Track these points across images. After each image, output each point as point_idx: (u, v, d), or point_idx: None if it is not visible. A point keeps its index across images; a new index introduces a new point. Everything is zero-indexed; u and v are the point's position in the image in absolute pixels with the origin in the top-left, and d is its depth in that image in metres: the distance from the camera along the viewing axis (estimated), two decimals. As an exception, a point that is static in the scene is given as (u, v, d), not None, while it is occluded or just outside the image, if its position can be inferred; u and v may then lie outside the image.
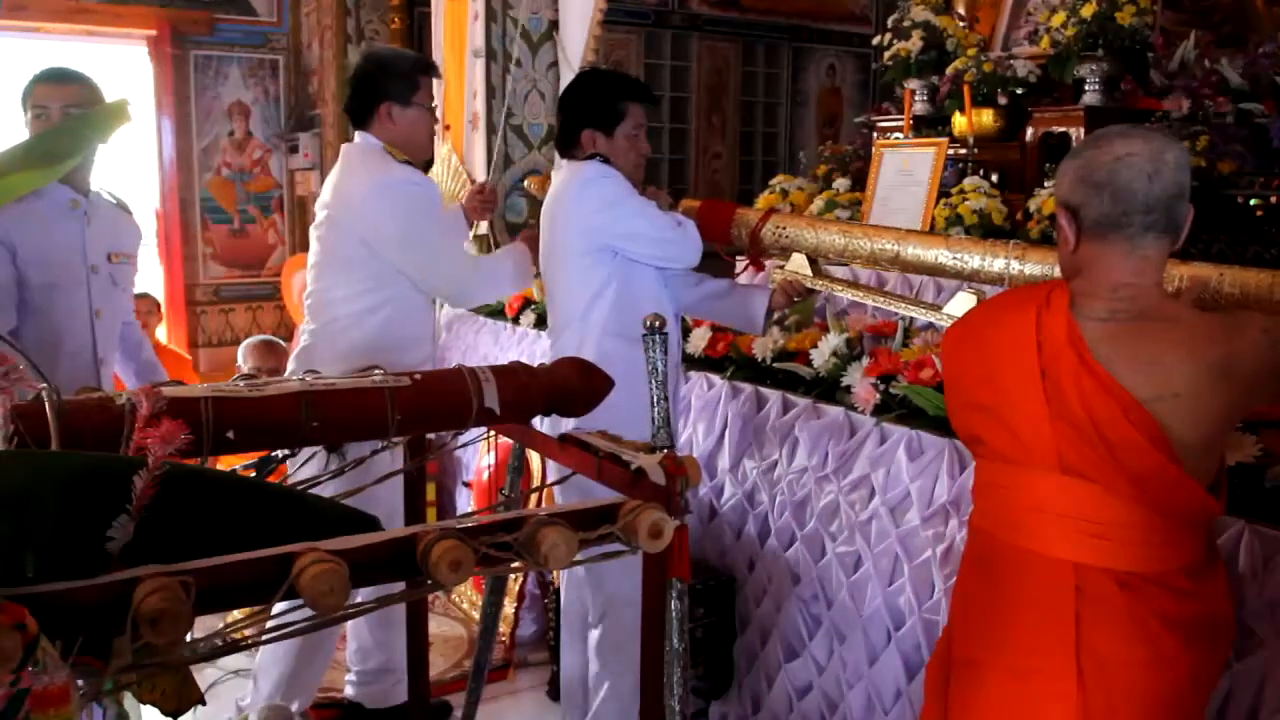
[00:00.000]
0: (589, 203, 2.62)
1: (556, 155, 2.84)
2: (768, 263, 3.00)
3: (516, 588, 3.58)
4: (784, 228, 2.85)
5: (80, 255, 2.66)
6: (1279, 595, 1.77)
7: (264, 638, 1.20)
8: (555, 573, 3.32)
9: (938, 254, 2.56)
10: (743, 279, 3.12)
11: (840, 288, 2.81)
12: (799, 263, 2.81)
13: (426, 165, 2.99)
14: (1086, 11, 3.61)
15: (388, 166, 2.76)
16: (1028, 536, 1.66)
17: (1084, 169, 1.61)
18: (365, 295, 2.79)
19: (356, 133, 2.86)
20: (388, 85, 2.79)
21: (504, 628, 3.55)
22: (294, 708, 3.00)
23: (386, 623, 3.05)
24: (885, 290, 2.84)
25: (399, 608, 2.85)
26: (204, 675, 3.29)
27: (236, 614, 1.30)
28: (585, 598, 2.85)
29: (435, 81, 2.95)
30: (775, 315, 3.01)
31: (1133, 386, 1.53)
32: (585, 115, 2.69)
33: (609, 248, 2.63)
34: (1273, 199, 3.47)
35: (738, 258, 3.08)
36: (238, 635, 1.12)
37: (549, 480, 3.18)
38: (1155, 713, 1.58)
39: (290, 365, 2.97)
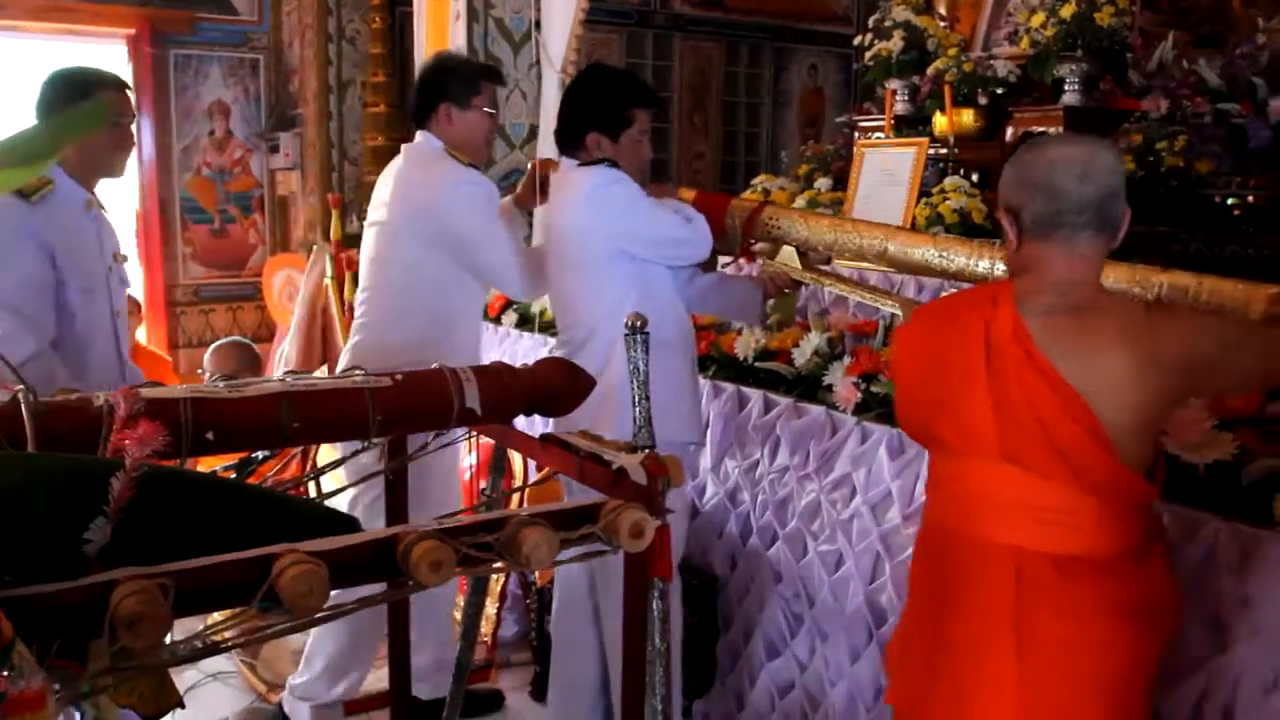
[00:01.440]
0: (601, 209, 2.59)
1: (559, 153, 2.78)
2: (758, 256, 3.01)
3: (498, 588, 3.57)
4: (777, 219, 2.87)
5: (100, 256, 2.67)
6: (1255, 591, 1.79)
7: (244, 640, 1.19)
8: (538, 573, 3.31)
9: (924, 251, 2.58)
10: (729, 271, 3.13)
11: (828, 281, 2.82)
12: (788, 254, 2.82)
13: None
14: (1066, 12, 3.64)
15: (453, 169, 2.83)
16: (973, 524, 1.74)
17: (1021, 172, 1.71)
18: (421, 295, 2.84)
19: (418, 132, 2.93)
20: (449, 87, 2.86)
21: (486, 628, 3.54)
22: (339, 691, 3.01)
23: (425, 616, 3.07)
24: (869, 285, 2.86)
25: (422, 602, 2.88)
26: (184, 678, 3.27)
27: (217, 616, 1.29)
28: (590, 600, 2.84)
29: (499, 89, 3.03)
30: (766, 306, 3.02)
31: (1071, 378, 1.61)
32: (592, 118, 2.66)
33: (625, 253, 2.61)
34: (1250, 198, 3.50)
35: (721, 260, 3.09)
36: (218, 637, 1.12)
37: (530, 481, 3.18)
38: (1096, 693, 1.65)
39: (342, 360, 3.00)
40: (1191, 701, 1.86)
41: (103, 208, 2.82)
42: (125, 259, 2.82)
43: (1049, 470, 1.65)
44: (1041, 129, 3.70)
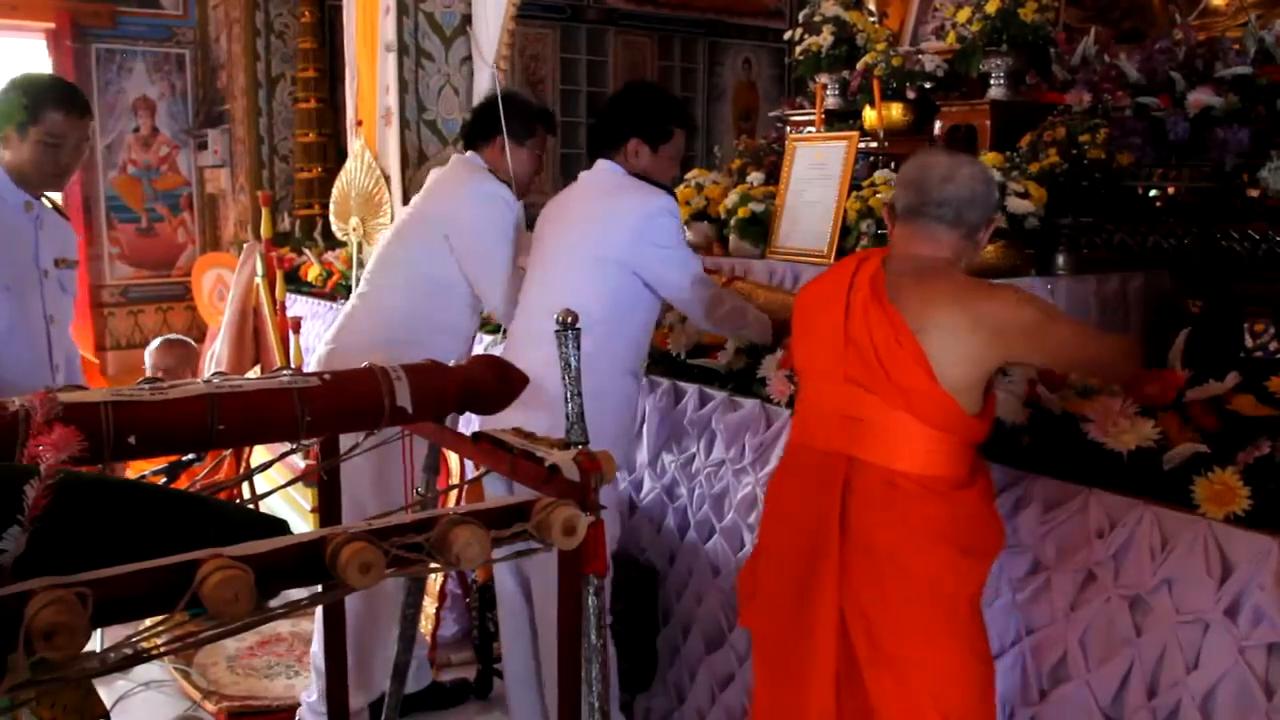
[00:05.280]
0: (648, 234, 2.62)
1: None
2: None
3: (437, 587, 3.55)
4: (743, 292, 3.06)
5: (33, 259, 2.62)
6: (1176, 573, 1.83)
7: (173, 647, 1.17)
8: (478, 571, 3.30)
9: None
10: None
11: None
12: None
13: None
14: (991, 7, 3.69)
15: (486, 177, 3.01)
16: (817, 437, 2.05)
17: (902, 173, 2.10)
18: (411, 298, 2.96)
19: (467, 151, 3.14)
20: (509, 123, 3.05)
21: (425, 627, 3.52)
22: (354, 705, 2.97)
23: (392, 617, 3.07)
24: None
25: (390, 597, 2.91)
26: (115, 687, 3.20)
27: (149, 622, 1.26)
28: (519, 592, 2.85)
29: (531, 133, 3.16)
30: None
31: (907, 317, 1.92)
32: (637, 125, 2.73)
33: (641, 280, 2.64)
34: (1170, 189, 3.59)
35: None
36: (146, 645, 1.10)
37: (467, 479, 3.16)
38: (914, 592, 1.90)
39: (335, 330, 3.09)
40: (1116, 681, 1.90)
41: (60, 211, 2.79)
42: (74, 264, 2.79)
43: (882, 390, 1.94)
44: (969, 123, 3.75)
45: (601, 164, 2.78)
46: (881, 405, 1.94)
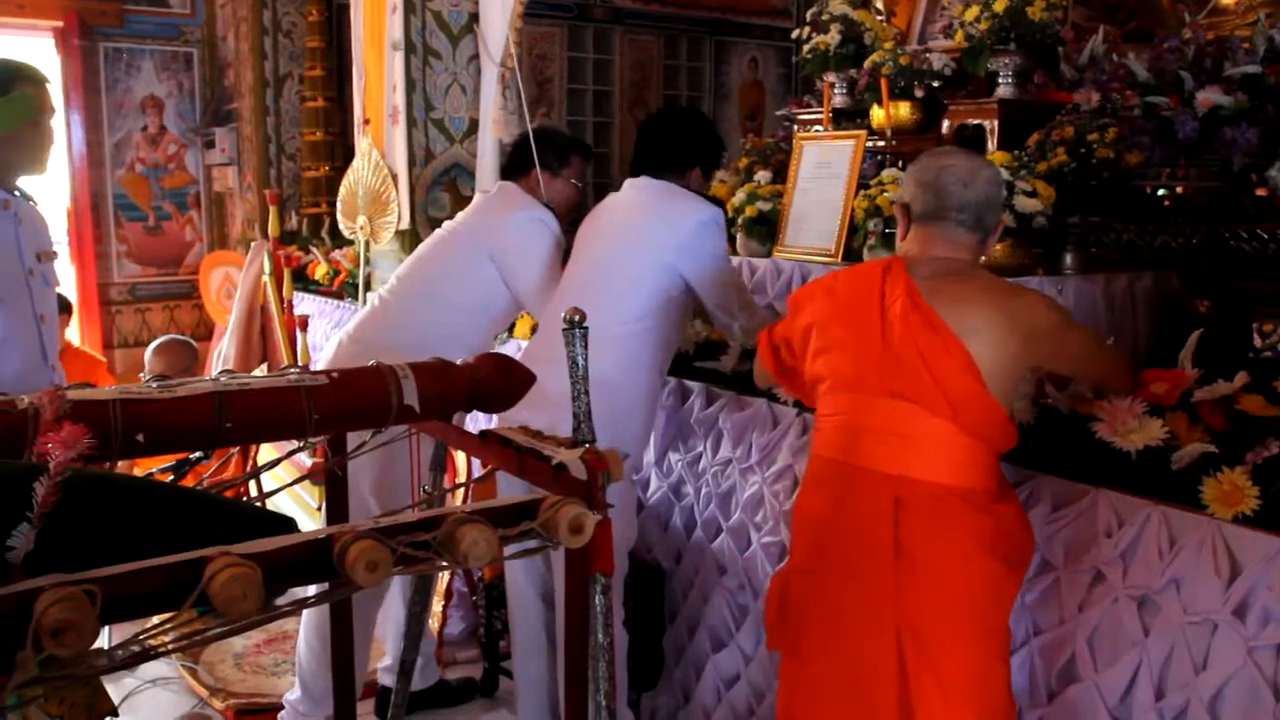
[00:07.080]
0: (701, 242, 2.75)
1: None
2: None
3: (444, 586, 3.55)
4: None
5: (18, 260, 2.57)
6: (1185, 573, 1.83)
7: (181, 644, 1.17)
8: (484, 569, 3.30)
9: None
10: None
11: None
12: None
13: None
14: (999, 6, 3.67)
15: (532, 203, 3.12)
16: (857, 455, 2.01)
17: (917, 174, 2.08)
18: (450, 291, 3.06)
19: (506, 181, 3.24)
20: (544, 155, 3.14)
21: (432, 624, 3.52)
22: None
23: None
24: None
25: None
26: (123, 684, 3.21)
27: (156, 620, 1.26)
28: (534, 593, 2.85)
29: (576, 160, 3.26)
30: None
31: (948, 322, 1.92)
32: (702, 155, 2.92)
33: (684, 282, 2.75)
34: (1179, 189, 3.57)
35: None
36: (154, 642, 1.10)
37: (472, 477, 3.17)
38: (957, 602, 1.91)
39: (350, 328, 3.16)
40: (1125, 681, 1.90)
41: (30, 200, 2.72)
42: (54, 256, 2.72)
43: (928, 401, 1.92)
44: (977, 121, 3.74)
45: (645, 177, 2.87)
46: (924, 416, 1.93)
